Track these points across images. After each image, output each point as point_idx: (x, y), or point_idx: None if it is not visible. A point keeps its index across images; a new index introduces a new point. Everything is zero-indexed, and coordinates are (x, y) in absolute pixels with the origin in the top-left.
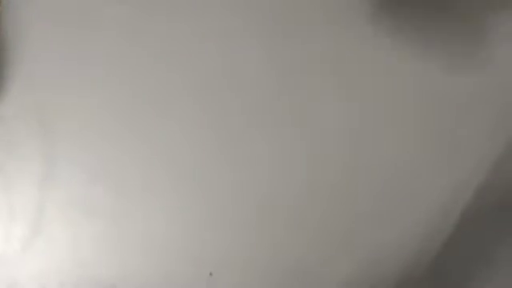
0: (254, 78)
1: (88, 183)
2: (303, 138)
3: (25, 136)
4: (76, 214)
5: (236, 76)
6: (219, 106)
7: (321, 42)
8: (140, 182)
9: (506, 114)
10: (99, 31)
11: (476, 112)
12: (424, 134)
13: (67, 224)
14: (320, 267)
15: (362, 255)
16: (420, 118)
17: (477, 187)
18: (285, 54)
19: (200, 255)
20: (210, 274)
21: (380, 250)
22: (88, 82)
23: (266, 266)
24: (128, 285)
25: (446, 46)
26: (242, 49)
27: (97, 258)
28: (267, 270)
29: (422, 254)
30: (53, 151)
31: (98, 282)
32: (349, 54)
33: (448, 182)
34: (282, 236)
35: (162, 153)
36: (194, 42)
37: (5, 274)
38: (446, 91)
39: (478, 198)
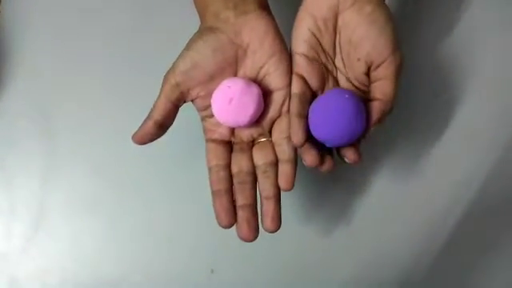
0: None
1: (89, 179)
2: None
3: (26, 132)
4: (78, 210)
5: None
6: None
7: None
8: (142, 179)
9: None
10: (100, 29)
11: None
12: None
13: (69, 220)
14: (320, 267)
15: (363, 256)
16: None
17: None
18: None
19: (202, 252)
20: (212, 271)
21: (381, 251)
22: (89, 79)
23: (267, 264)
24: (130, 282)
25: None
26: None
27: (98, 256)
28: (267, 268)
29: (422, 255)
30: (54, 147)
31: (99, 280)
32: None
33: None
34: (282, 235)
35: (164, 148)
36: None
37: (6, 271)
38: None
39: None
